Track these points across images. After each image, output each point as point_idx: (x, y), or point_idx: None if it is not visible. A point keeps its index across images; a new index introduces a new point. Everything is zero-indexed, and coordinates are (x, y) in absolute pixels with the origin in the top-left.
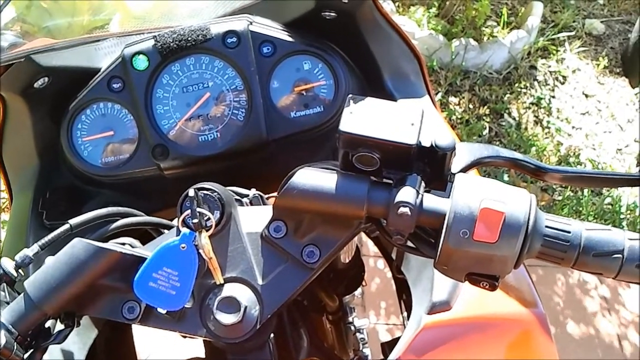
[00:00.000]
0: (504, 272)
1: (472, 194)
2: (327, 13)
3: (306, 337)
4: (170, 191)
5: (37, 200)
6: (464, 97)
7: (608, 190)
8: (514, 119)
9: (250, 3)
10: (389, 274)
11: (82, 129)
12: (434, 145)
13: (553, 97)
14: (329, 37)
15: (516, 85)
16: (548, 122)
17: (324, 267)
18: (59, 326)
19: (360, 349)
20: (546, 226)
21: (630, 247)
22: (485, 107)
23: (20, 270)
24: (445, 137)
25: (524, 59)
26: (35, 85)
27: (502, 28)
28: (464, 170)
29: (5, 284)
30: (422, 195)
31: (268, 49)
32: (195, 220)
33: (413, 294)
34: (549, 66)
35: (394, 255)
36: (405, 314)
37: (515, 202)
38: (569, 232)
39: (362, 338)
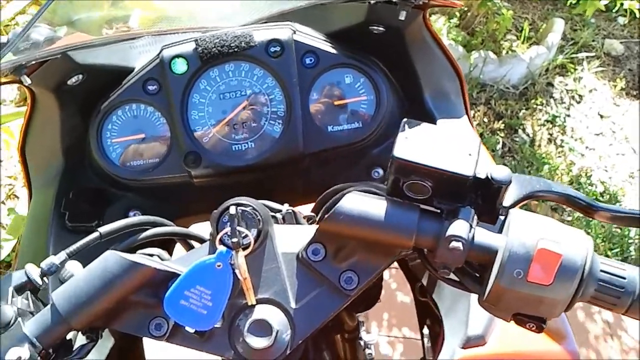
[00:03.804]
0: (553, 314)
1: (528, 233)
2: (375, 27)
3: None
4: (197, 199)
5: (59, 200)
6: (479, 110)
7: None
8: (528, 135)
9: (293, 8)
10: (393, 285)
11: (112, 129)
12: (489, 177)
13: (568, 115)
14: (372, 51)
15: (532, 101)
16: (562, 140)
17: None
18: (80, 338)
19: None
20: (601, 270)
21: None
22: (500, 121)
23: (45, 278)
24: (502, 170)
25: (541, 75)
26: (69, 82)
27: (522, 43)
28: (516, 204)
29: (29, 292)
30: (475, 229)
31: (311, 60)
32: (235, 240)
33: (445, 323)
34: (566, 84)
35: (424, 281)
36: (426, 333)
37: (573, 244)
38: (624, 278)
39: (369, 353)
